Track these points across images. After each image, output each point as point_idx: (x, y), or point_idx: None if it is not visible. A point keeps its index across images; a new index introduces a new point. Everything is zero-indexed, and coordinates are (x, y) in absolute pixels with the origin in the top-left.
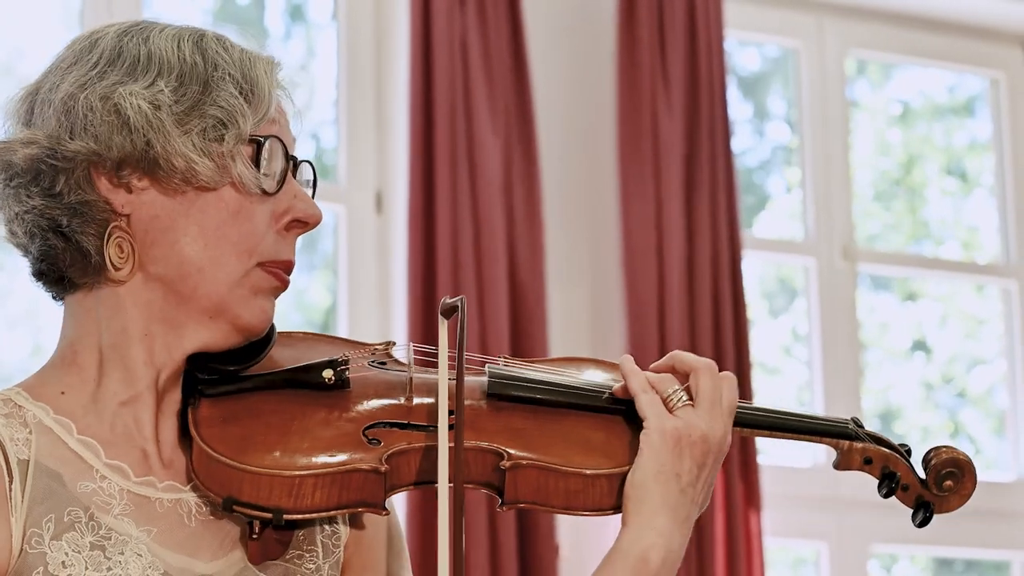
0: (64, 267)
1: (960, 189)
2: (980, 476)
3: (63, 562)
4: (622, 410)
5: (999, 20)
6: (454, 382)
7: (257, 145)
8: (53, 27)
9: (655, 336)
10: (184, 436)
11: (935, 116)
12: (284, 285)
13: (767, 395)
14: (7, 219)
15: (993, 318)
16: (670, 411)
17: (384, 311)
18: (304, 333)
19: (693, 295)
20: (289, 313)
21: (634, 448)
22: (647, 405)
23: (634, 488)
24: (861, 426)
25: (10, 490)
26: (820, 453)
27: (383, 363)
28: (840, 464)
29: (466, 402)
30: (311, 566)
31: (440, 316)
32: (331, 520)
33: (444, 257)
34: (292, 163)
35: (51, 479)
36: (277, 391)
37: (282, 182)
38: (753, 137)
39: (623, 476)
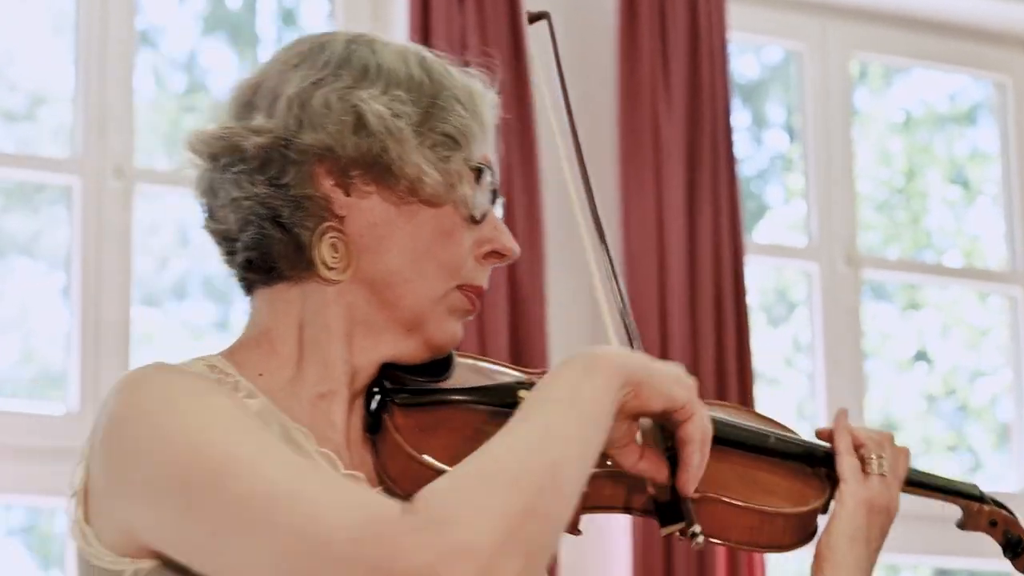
0: (276, 258)
1: (963, 198)
2: (983, 486)
3: None
4: (798, 457)
5: (1006, 24)
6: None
7: (479, 171)
8: (42, 32)
9: (656, 342)
10: (366, 440)
11: (937, 125)
12: (474, 310)
13: (768, 407)
14: (218, 204)
15: (996, 328)
16: (865, 474)
17: None
18: (463, 354)
19: (695, 301)
20: None
21: (808, 493)
22: (848, 468)
23: (831, 549)
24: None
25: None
26: None
27: None
28: (967, 524)
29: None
30: None
31: (527, 22)
32: None
33: None
34: (494, 195)
35: (283, 436)
36: (465, 407)
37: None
38: (751, 145)
39: (798, 517)
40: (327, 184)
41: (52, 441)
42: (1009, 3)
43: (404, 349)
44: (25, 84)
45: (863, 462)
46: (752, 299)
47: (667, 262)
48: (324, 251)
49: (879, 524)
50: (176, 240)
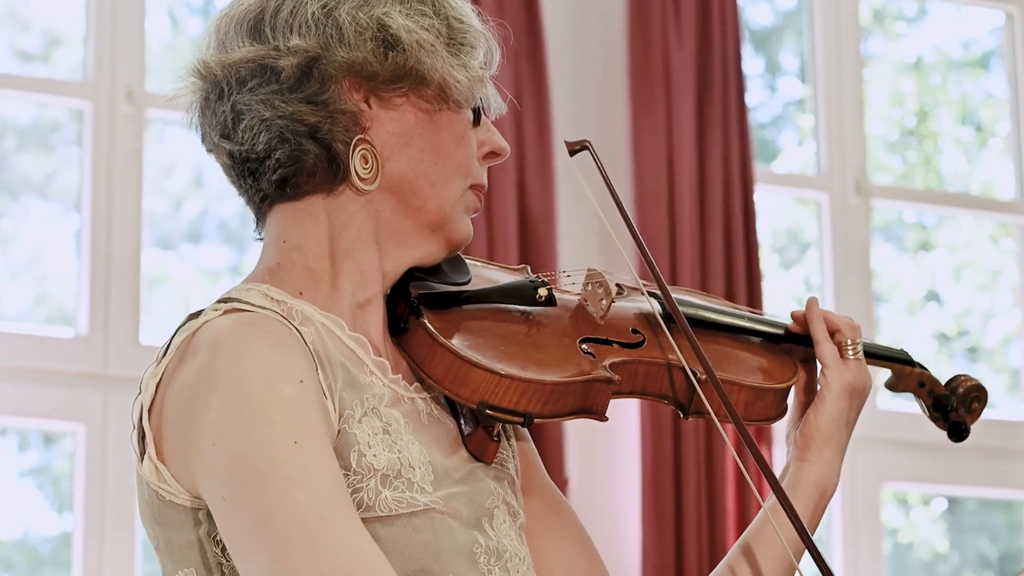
0: (311, 172)
1: (975, 140)
2: (993, 416)
3: (368, 443)
4: (779, 337)
5: None
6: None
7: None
8: None
9: (666, 268)
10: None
11: (950, 68)
12: (480, 208)
13: None
14: (242, 127)
15: (1008, 270)
16: (843, 358)
17: None
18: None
19: (704, 229)
20: None
21: (785, 369)
22: (829, 355)
23: (818, 431)
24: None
25: (318, 375)
26: None
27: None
28: (896, 385)
29: (644, 330)
30: (512, 467)
31: (570, 155)
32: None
33: None
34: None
35: (342, 368)
36: (489, 306)
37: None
38: (765, 92)
39: (783, 392)
40: (355, 97)
41: (61, 364)
42: None
43: (428, 250)
44: (40, 24)
45: (840, 347)
46: (764, 240)
47: (677, 189)
48: (356, 162)
49: (858, 406)
50: (191, 182)
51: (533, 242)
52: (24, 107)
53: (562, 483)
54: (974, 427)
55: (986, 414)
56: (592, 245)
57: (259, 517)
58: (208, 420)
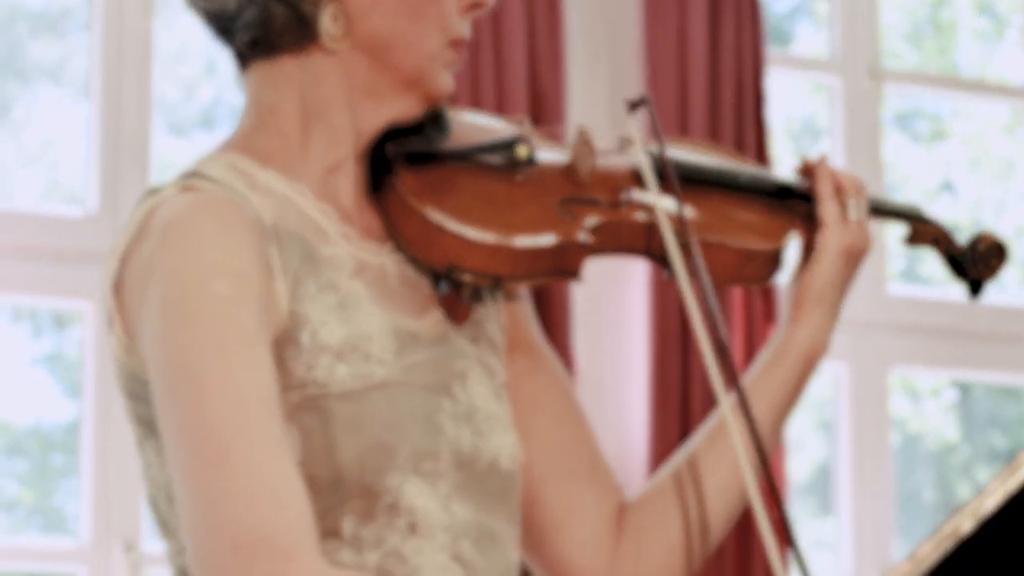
0: (279, 33)
1: (992, 30)
2: (1004, 302)
3: (322, 320)
4: (776, 195)
5: None
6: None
7: None
8: None
9: None
10: (369, 202)
11: None
12: (460, 62)
13: None
14: None
15: (1023, 160)
16: (844, 218)
17: None
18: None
19: (715, 114)
20: None
21: (781, 227)
22: (830, 214)
23: (810, 291)
24: None
25: (271, 254)
26: None
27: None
28: (913, 239)
29: (632, 188)
30: (492, 326)
31: (628, 112)
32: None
33: (462, 83)
34: None
35: (300, 243)
36: (467, 164)
37: None
38: None
39: (776, 253)
40: None
41: (71, 243)
42: None
43: (404, 107)
44: None
45: (842, 208)
46: (779, 126)
47: (688, 75)
48: (326, 22)
49: (854, 268)
50: (203, 69)
51: (540, 85)
52: None
53: (569, 366)
54: (987, 313)
55: (997, 300)
56: (600, 116)
57: (179, 425)
58: (150, 312)
